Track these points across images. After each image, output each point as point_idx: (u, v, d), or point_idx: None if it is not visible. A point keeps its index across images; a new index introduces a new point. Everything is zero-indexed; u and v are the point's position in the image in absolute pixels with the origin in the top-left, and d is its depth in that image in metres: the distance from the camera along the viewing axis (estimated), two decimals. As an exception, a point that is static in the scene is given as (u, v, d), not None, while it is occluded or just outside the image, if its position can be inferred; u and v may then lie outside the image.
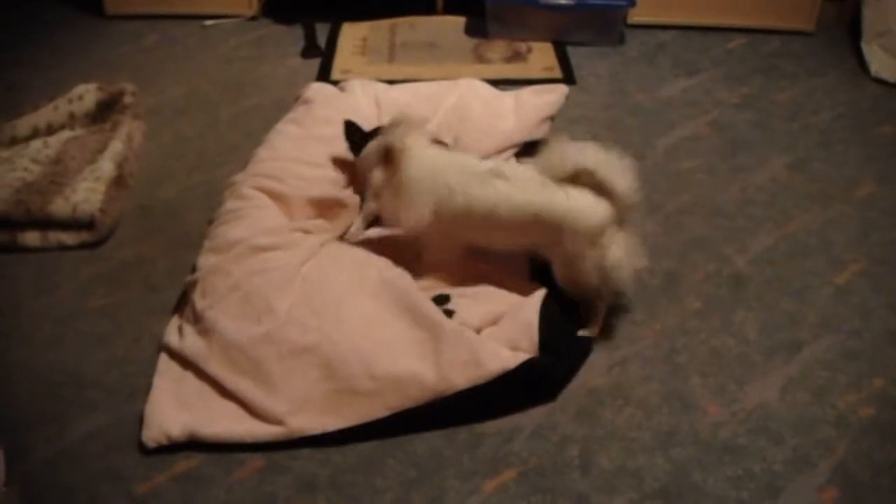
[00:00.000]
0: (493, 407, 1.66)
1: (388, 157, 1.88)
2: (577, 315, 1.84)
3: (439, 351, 1.65)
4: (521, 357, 1.65)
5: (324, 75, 2.88)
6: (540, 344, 1.68)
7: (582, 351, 1.78)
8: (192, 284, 1.85)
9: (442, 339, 1.67)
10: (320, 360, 1.66)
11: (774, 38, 3.16)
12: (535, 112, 2.45)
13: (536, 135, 2.39)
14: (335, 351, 1.66)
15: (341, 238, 2.04)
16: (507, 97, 2.52)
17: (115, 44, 3.12)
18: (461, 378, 1.62)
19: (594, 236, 1.72)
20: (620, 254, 1.75)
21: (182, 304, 1.87)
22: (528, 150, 2.32)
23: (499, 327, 1.75)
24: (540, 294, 1.80)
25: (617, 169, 1.71)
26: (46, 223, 2.09)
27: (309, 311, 1.73)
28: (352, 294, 1.78)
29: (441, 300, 1.83)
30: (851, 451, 1.60)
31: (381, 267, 1.85)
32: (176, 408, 1.63)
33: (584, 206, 1.72)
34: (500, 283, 1.88)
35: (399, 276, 1.81)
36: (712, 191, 2.31)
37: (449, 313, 1.77)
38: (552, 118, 2.46)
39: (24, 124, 2.41)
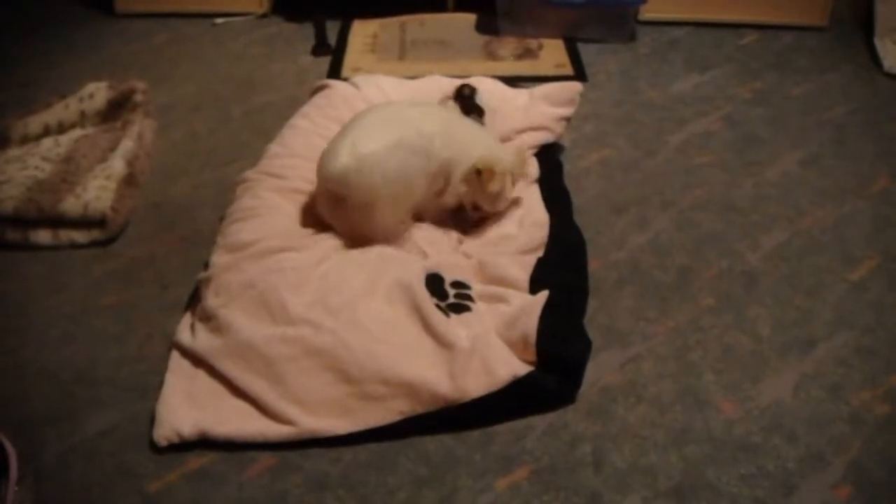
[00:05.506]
0: (506, 412, 1.64)
1: None
2: (580, 315, 1.83)
3: (452, 359, 1.64)
4: (524, 368, 1.64)
5: (334, 73, 2.88)
6: (539, 356, 1.65)
7: (587, 355, 1.72)
8: (205, 282, 1.84)
9: (454, 350, 1.65)
10: (334, 362, 1.64)
11: (787, 33, 3.14)
12: (548, 111, 2.41)
13: (553, 136, 2.37)
14: (349, 354, 1.64)
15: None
16: (521, 95, 2.48)
17: (126, 42, 3.13)
18: (474, 386, 1.61)
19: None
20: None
21: (194, 301, 1.86)
22: (546, 150, 2.32)
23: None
24: (541, 299, 1.75)
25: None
26: (58, 221, 2.09)
27: (324, 312, 1.71)
28: (368, 297, 1.76)
29: (460, 286, 1.82)
30: (866, 448, 1.58)
31: (398, 270, 1.83)
32: (187, 406, 1.63)
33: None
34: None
35: (415, 281, 1.79)
36: (725, 187, 2.30)
37: (463, 307, 1.76)
38: (568, 119, 2.43)
39: (35, 122, 2.42)
